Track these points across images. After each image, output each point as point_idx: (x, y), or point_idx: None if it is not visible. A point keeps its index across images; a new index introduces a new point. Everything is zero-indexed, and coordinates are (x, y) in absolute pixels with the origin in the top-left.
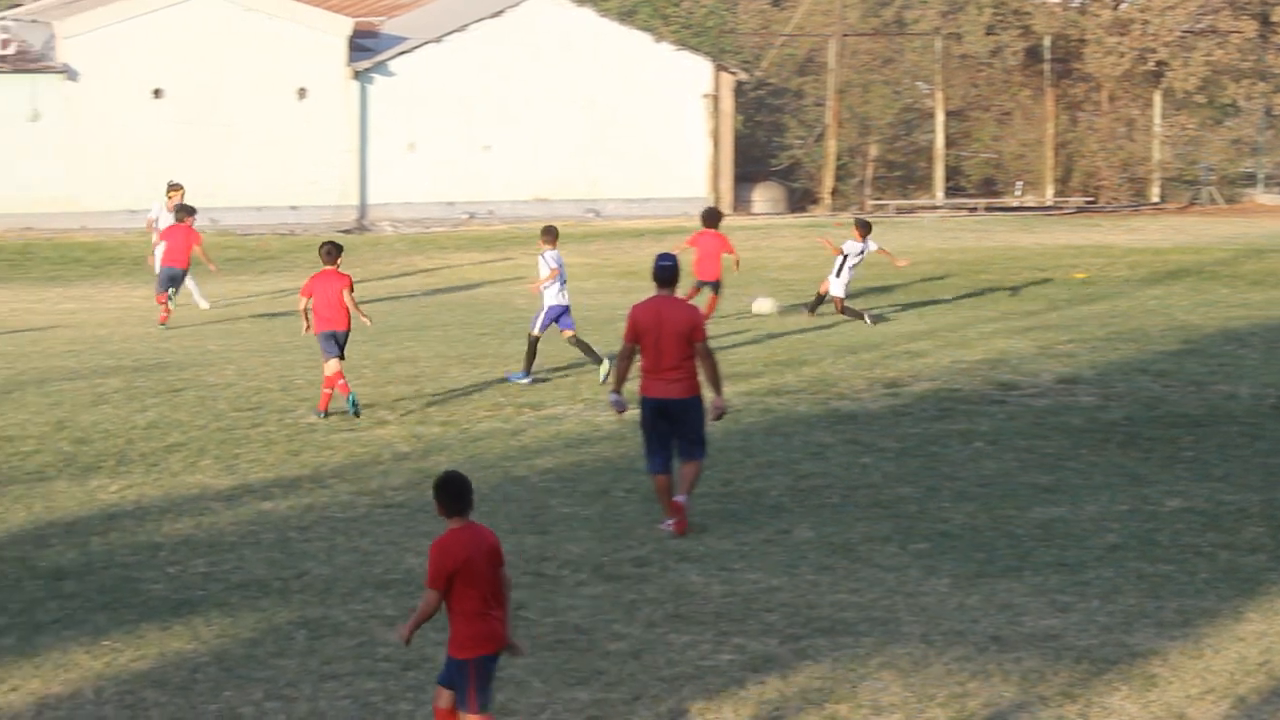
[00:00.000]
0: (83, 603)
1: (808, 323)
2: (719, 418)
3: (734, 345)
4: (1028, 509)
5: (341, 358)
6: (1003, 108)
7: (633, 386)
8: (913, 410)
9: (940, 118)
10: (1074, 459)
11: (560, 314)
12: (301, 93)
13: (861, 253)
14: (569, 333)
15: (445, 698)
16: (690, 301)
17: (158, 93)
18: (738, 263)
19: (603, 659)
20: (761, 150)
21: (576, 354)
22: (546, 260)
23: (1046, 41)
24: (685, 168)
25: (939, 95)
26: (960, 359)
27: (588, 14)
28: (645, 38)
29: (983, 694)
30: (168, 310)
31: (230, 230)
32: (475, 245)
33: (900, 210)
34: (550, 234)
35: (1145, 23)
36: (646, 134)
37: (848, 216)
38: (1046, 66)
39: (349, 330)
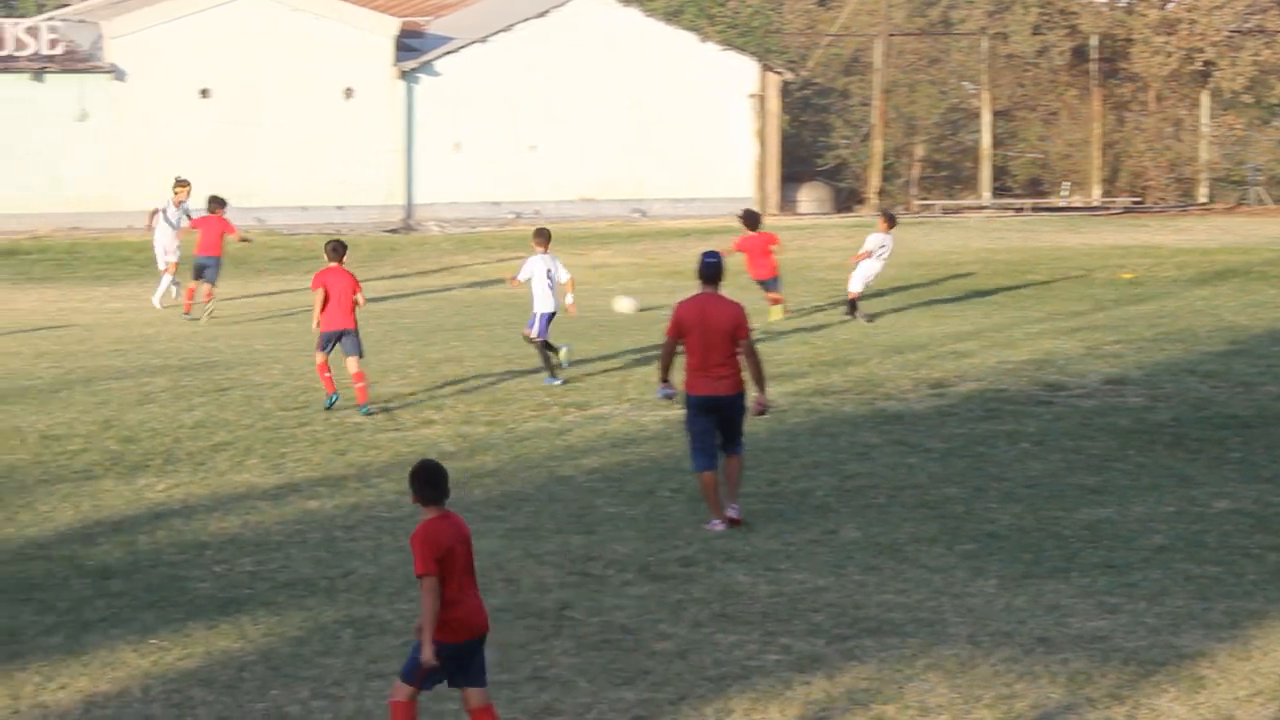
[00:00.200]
0: (130, 601)
1: (857, 324)
2: (761, 414)
3: (780, 345)
4: (1075, 510)
5: (360, 355)
6: (1049, 108)
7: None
8: (959, 411)
9: (986, 118)
10: (1121, 460)
11: (548, 318)
12: (348, 92)
13: (884, 245)
14: (530, 332)
15: (476, 696)
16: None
17: (204, 92)
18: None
19: (649, 659)
20: (807, 150)
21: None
22: (528, 265)
23: (1093, 41)
24: (731, 168)
25: (985, 95)
26: (1006, 359)
27: (633, 14)
28: (691, 37)
29: (1030, 695)
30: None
31: (276, 230)
32: (521, 245)
33: (946, 210)
34: (541, 236)
35: (1192, 22)
36: (692, 134)
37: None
38: (1093, 66)
39: (357, 329)
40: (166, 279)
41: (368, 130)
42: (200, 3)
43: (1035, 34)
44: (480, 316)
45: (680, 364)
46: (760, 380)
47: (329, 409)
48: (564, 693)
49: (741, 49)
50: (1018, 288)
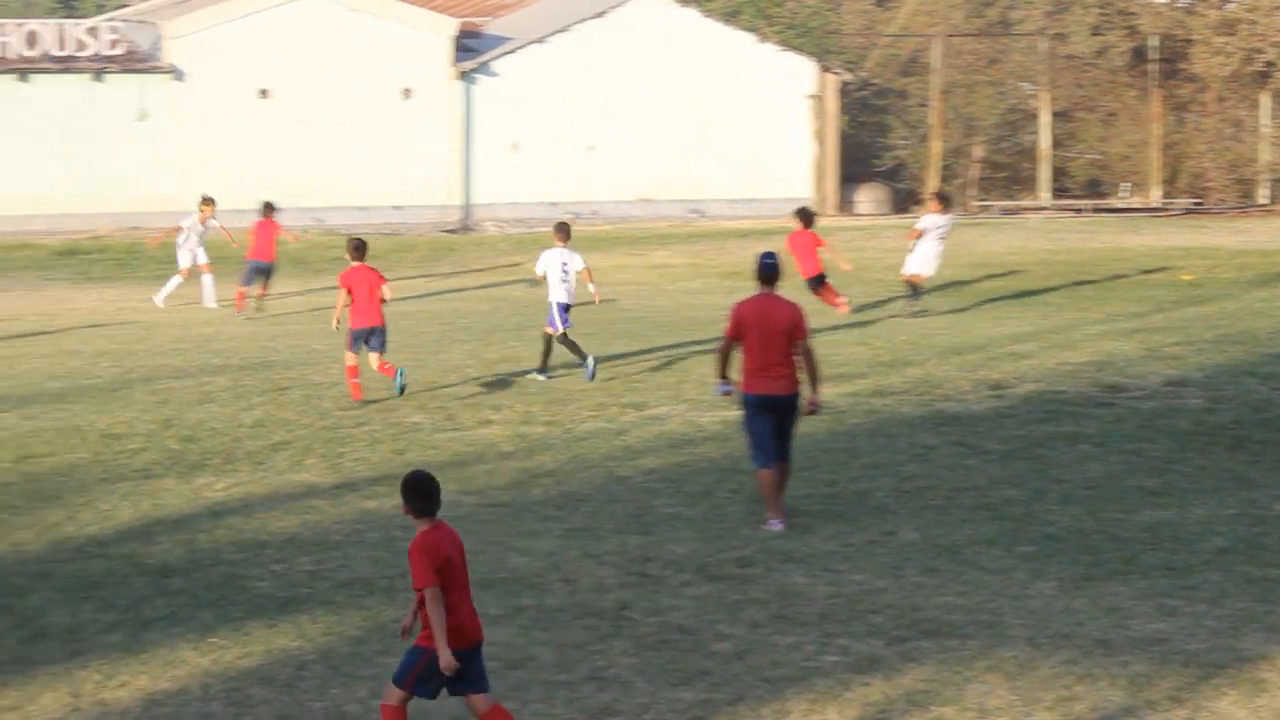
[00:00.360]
0: (189, 600)
1: (915, 325)
2: (812, 414)
3: (838, 346)
4: (1135, 512)
5: (383, 352)
6: (1108, 108)
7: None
8: (1018, 412)
9: (1045, 118)
10: (1181, 462)
11: (565, 309)
12: (406, 93)
13: (942, 226)
14: (551, 330)
15: (482, 701)
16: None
17: (264, 93)
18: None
19: (707, 659)
20: (865, 151)
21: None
22: (543, 258)
23: (1152, 42)
24: (789, 168)
25: (1044, 96)
26: (1066, 361)
27: (691, 14)
28: (749, 38)
29: (1090, 698)
30: (242, 300)
31: (335, 230)
32: (579, 245)
33: (1005, 211)
34: (561, 231)
35: (1253, 22)
36: (750, 134)
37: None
38: (1153, 67)
39: (385, 326)
40: (177, 280)
41: (426, 130)
42: (259, 3)
43: (1094, 34)
44: (538, 317)
45: (736, 363)
46: (816, 380)
47: (356, 406)
48: (622, 693)
49: (799, 49)
50: (1077, 289)
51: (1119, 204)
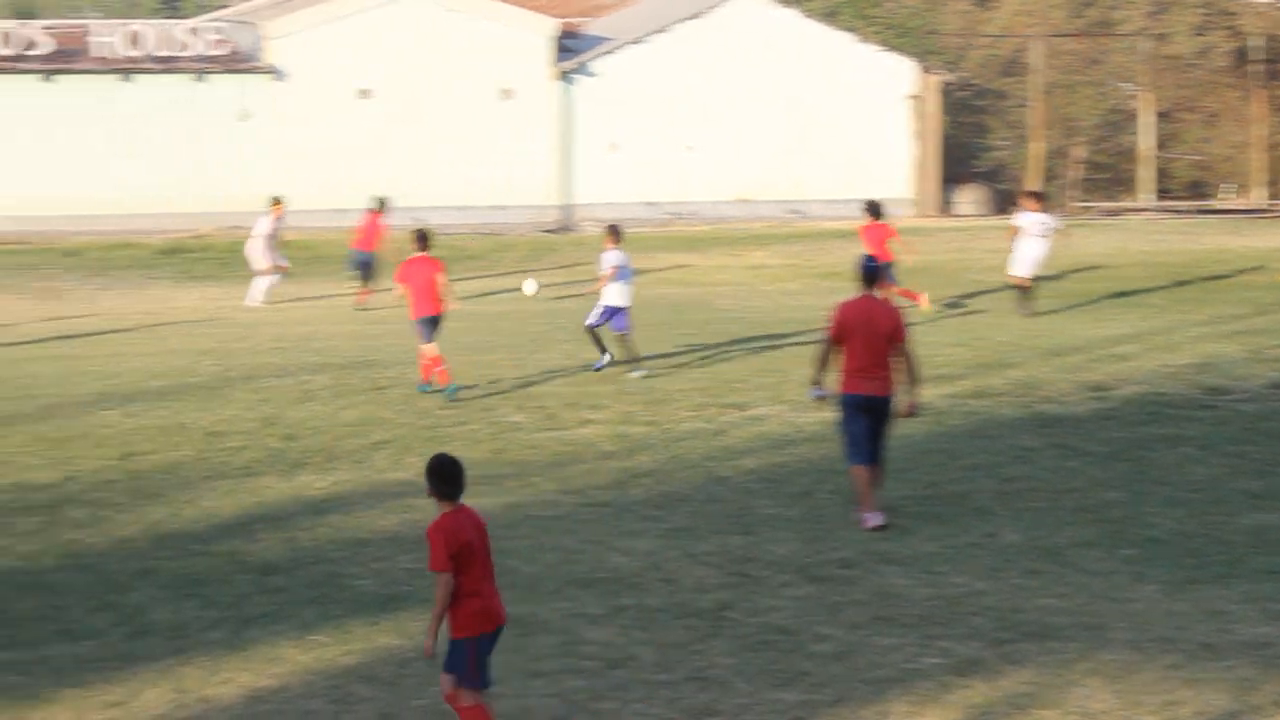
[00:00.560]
0: (291, 597)
1: (1016, 325)
2: (910, 416)
3: (939, 347)
4: (1238, 515)
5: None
6: (1210, 109)
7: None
8: (1119, 414)
9: (1146, 119)
10: None
11: (614, 314)
12: (506, 93)
13: (1042, 224)
14: (620, 333)
15: (450, 682)
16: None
17: (364, 93)
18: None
19: (807, 660)
20: (965, 151)
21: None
22: (606, 259)
23: (1255, 42)
24: (888, 168)
25: (1145, 96)
26: (1168, 363)
27: (790, 14)
28: (848, 38)
29: (1194, 702)
30: (367, 292)
31: (434, 230)
32: (677, 245)
33: (1106, 212)
34: (614, 233)
35: None
36: (849, 135)
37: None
38: (1255, 67)
39: (441, 315)
40: (270, 278)
41: (525, 130)
42: (359, 4)
43: (1196, 35)
44: (638, 317)
45: (831, 366)
46: (915, 383)
47: (451, 398)
48: (722, 693)
49: (899, 49)
50: (1178, 290)
51: (1221, 205)
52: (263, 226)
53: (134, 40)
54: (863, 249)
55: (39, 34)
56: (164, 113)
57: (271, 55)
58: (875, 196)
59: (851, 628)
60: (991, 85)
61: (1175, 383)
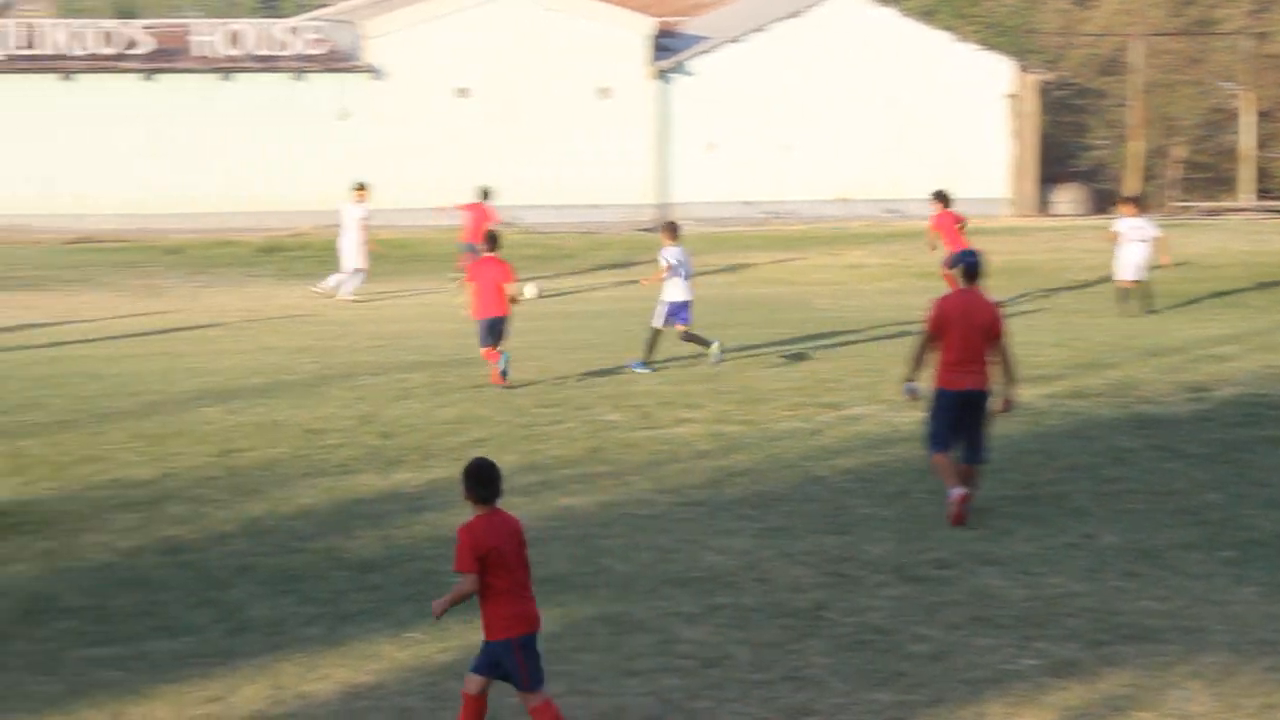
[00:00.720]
0: (388, 594)
1: (1115, 326)
2: (1006, 411)
3: (1037, 348)
4: None
5: (497, 342)
6: None
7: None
8: (1219, 415)
9: (1248, 119)
10: None
11: (679, 310)
12: (603, 92)
13: (1139, 229)
14: (682, 327)
15: (475, 683)
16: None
17: (462, 92)
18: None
19: (904, 661)
20: (1064, 151)
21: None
22: (664, 256)
23: None
24: (986, 168)
25: (1246, 96)
26: (1269, 364)
27: (888, 13)
28: (946, 37)
29: None
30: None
31: (531, 229)
32: (774, 245)
33: (1206, 212)
34: (670, 229)
35: None
36: (947, 134)
37: (1155, 218)
38: None
39: (508, 316)
40: (357, 276)
41: (622, 129)
42: (458, 3)
43: None
44: (733, 316)
45: (929, 360)
46: (1012, 379)
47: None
48: (819, 693)
49: (997, 48)
50: (1279, 291)
51: None
52: (354, 215)
53: (234, 39)
54: (931, 237)
55: (140, 33)
56: (263, 112)
57: (370, 54)
58: (980, 198)
59: (948, 628)
60: (1091, 84)
61: (1275, 384)
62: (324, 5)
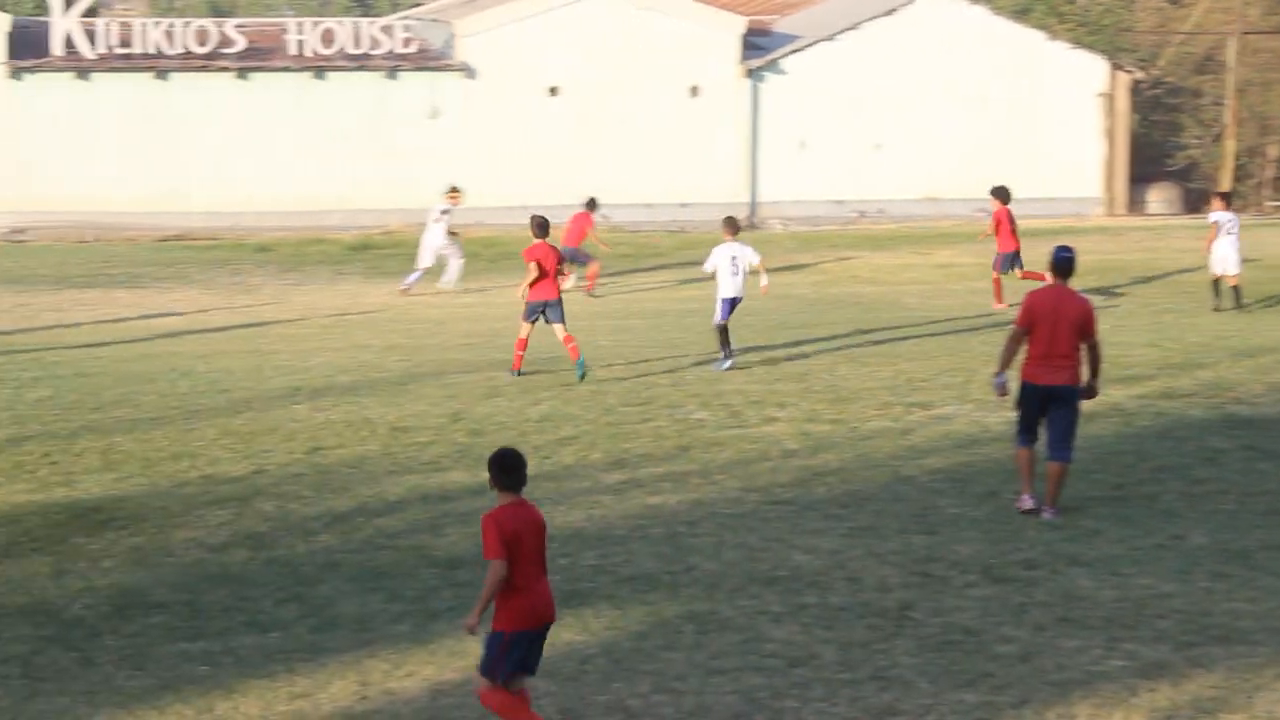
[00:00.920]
0: (475, 592)
1: (1207, 326)
2: (1087, 398)
3: (1128, 348)
4: None
5: (564, 324)
6: None
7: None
8: None
9: None
10: None
11: (733, 305)
12: (694, 90)
13: (1231, 220)
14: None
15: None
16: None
17: (553, 90)
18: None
19: (990, 661)
20: (1157, 150)
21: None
22: (713, 254)
23: None
24: (1078, 167)
25: None
26: None
27: (980, 12)
28: (1038, 35)
29: None
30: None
31: (621, 226)
32: (865, 244)
33: None
34: (730, 225)
35: None
36: (1039, 133)
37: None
38: None
39: (560, 299)
40: (454, 263)
41: (713, 128)
42: (549, 1)
43: None
44: (824, 315)
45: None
46: (1097, 373)
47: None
48: (905, 693)
49: (1090, 47)
50: None
51: None
52: (439, 214)
53: (327, 38)
54: (990, 231)
55: (233, 32)
56: (356, 110)
57: (463, 53)
58: (1072, 197)
59: (1036, 629)
60: (1185, 83)
61: None
62: (416, 4)
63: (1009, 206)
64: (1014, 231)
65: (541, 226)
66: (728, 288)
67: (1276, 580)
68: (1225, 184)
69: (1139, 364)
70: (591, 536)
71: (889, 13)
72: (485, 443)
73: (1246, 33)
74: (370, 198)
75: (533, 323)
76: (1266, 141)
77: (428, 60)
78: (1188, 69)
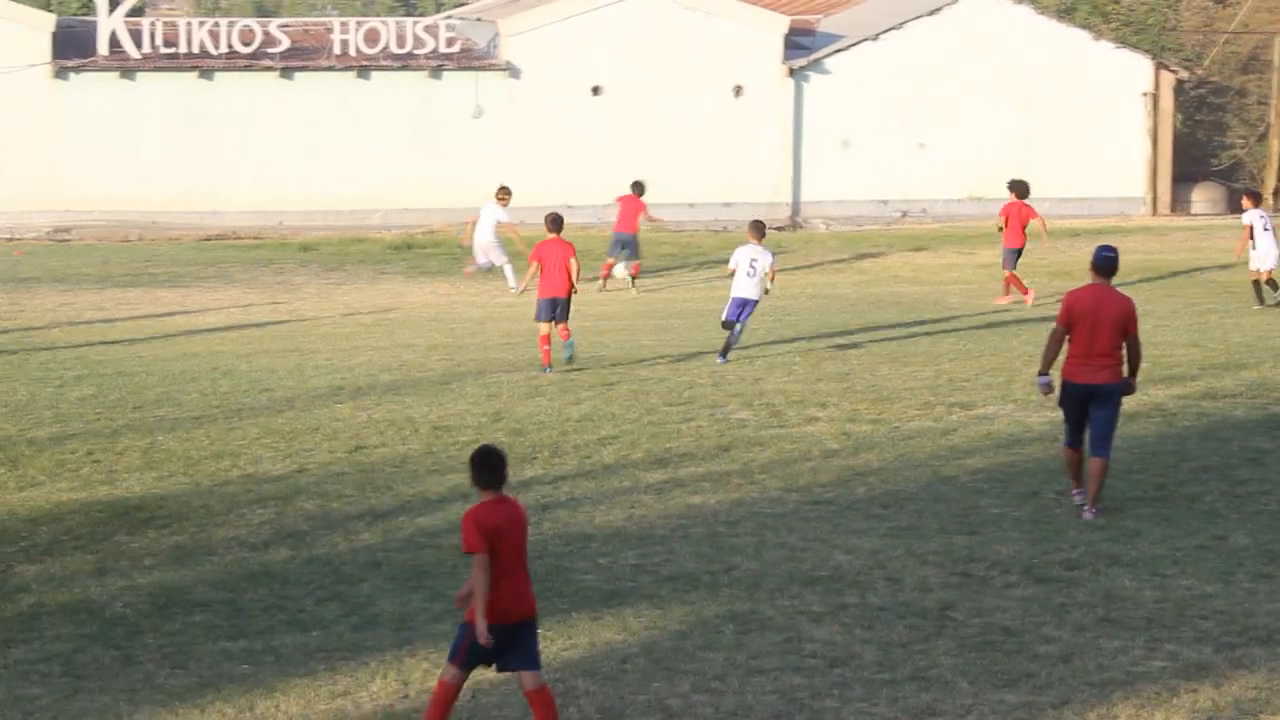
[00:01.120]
0: None
1: (1250, 326)
2: (1127, 394)
3: (1170, 348)
4: None
5: (565, 321)
6: None
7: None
8: None
9: None
10: None
11: (738, 306)
12: (737, 90)
13: (1264, 217)
14: (735, 323)
15: (529, 679)
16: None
17: (596, 90)
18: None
19: (1031, 662)
20: (1201, 150)
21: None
22: (736, 253)
23: None
24: (1122, 167)
25: None
26: None
27: (1025, 11)
28: (1083, 35)
29: None
30: (608, 273)
31: (664, 226)
32: (908, 244)
33: None
34: (755, 229)
35: None
36: (1083, 133)
37: None
38: None
39: (569, 297)
40: (508, 268)
41: (756, 128)
42: (593, 1)
43: None
44: (865, 315)
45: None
46: (1136, 370)
47: (548, 371)
48: (945, 693)
49: (1135, 47)
50: None
51: None
52: (493, 215)
53: (371, 38)
54: (1001, 226)
55: (278, 32)
56: (399, 110)
57: (507, 52)
58: (1116, 197)
59: (1077, 629)
60: (1229, 82)
61: None
62: (461, 4)
63: (1026, 201)
64: (1024, 229)
65: (555, 222)
66: (740, 288)
67: None
68: (1271, 183)
69: (1182, 364)
70: (632, 536)
71: (933, 12)
72: (525, 442)
73: None
74: (413, 197)
75: (550, 321)
76: None
77: (471, 60)
78: (1233, 68)
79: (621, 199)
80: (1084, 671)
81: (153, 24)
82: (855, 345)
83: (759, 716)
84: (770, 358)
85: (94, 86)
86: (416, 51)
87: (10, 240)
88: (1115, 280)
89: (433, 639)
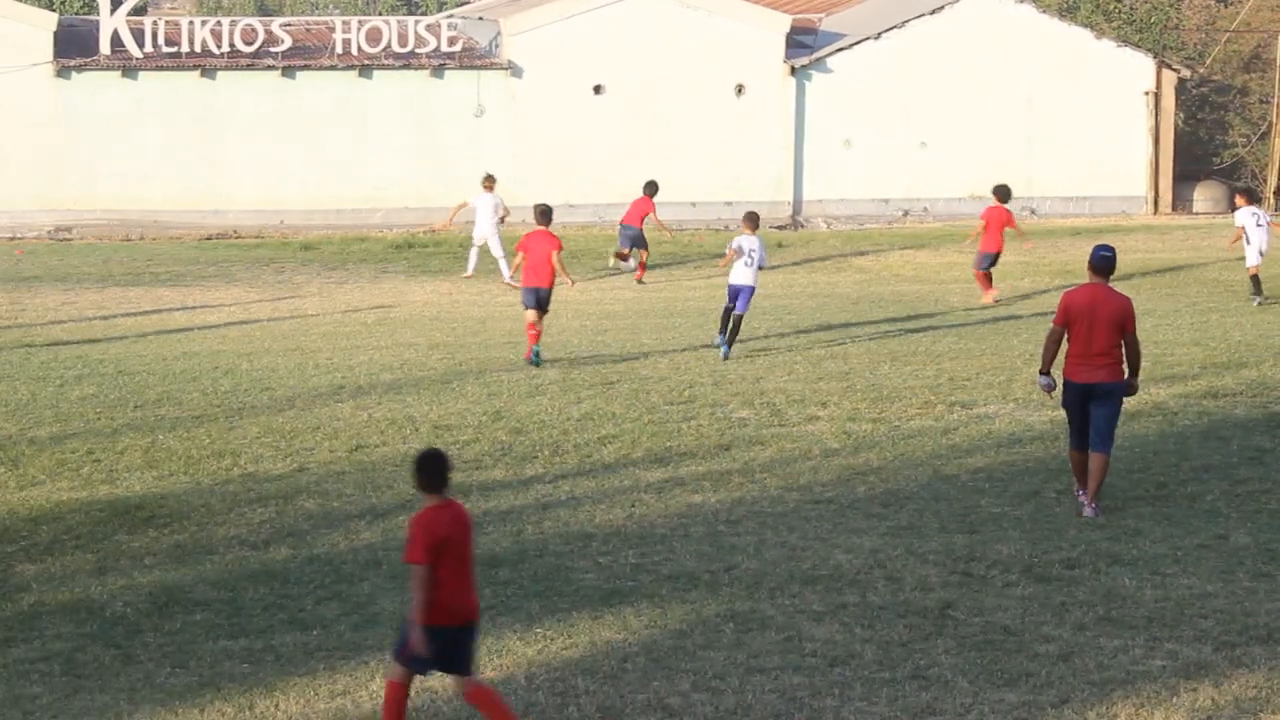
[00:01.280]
0: (516, 590)
1: (1251, 325)
2: (1128, 394)
3: (1171, 347)
4: None
5: (544, 312)
6: None
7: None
8: None
9: None
10: None
11: (738, 291)
12: (739, 89)
13: (1256, 214)
14: (737, 312)
15: (465, 684)
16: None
17: (598, 89)
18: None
19: (1031, 661)
20: (1203, 149)
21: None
22: (733, 242)
23: None
24: (1124, 166)
25: None
26: None
27: (1027, 10)
28: (1085, 34)
29: None
30: (622, 259)
31: (666, 224)
32: (909, 242)
33: None
34: (749, 220)
35: None
36: (1085, 131)
37: None
38: None
39: (551, 288)
40: (504, 263)
41: (757, 127)
42: (595, 0)
43: None
44: (866, 313)
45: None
46: (1136, 370)
47: (536, 364)
48: (945, 692)
49: (1137, 45)
50: None
51: None
52: (488, 204)
53: (373, 37)
54: (979, 231)
55: (279, 31)
56: (401, 109)
57: (509, 52)
58: (1117, 196)
59: (1077, 628)
60: (1231, 81)
61: None
62: (462, 3)
63: (1007, 206)
64: (1001, 234)
65: (544, 214)
66: (737, 275)
67: None
68: (1272, 182)
69: (1182, 363)
70: (632, 535)
71: (935, 11)
72: (526, 441)
73: None
74: (415, 196)
75: (535, 309)
76: None
77: (473, 59)
78: (1235, 67)
79: (635, 201)
80: (1084, 670)
81: (155, 23)
82: (856, 344)
83: (759, 715)
84: (771, 356)
85: (96, 86)
86: (418, 51)
87: (12, 239)
88: (1114, 278)
89: None
